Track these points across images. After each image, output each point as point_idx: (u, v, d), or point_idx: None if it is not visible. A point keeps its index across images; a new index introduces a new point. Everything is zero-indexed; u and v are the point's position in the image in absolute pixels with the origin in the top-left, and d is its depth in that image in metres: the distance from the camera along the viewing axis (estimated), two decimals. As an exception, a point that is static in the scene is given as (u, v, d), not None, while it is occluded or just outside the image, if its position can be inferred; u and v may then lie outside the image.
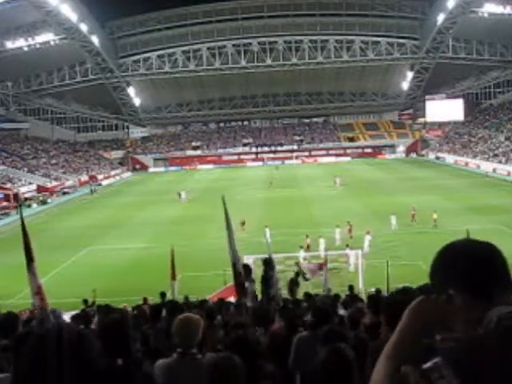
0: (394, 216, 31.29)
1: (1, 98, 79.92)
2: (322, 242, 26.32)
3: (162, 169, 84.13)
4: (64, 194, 60.11)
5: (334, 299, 12.14)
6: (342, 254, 24.97)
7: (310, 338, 4.31)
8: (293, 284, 15.55)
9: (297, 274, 16.70)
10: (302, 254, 24.77)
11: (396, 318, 4.02)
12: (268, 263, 11.05)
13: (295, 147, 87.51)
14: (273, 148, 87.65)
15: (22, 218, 8.20)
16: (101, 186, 66.08)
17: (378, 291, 14.50)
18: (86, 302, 14.74)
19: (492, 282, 1.49)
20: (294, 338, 4.73)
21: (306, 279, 20.10)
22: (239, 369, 2.73)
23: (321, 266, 20.75)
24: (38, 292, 7.83)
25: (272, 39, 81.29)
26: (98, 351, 1.43)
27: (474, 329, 1.46)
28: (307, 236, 27.09)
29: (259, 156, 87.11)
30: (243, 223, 31.29)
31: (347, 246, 25.37)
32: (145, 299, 15.04)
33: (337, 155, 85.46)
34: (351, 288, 15.63)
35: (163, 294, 13.58)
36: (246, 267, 10.95)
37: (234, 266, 10.31)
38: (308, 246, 26.34)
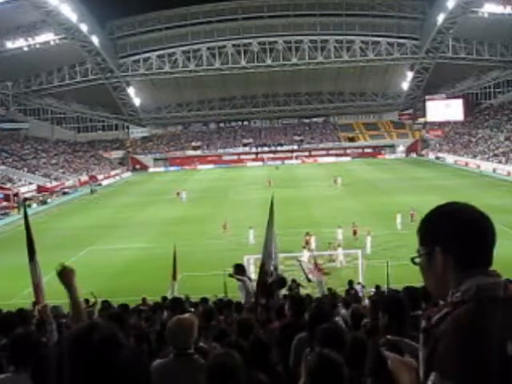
0: (400, 214, 31.26)
1: (1, 98, 79.96)
2: (312, 241, 26.49)
3: (161, 169, 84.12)
4: (64, 194, 60.11)
5: (333, 299, 12.16)
6: (341, 254, 25.02)
7: (309, 339, 4.31)
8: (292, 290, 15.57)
9: (293, 281, 16.68)
10: (305, 254, 24.80)
11: (396, 315, 4.00)
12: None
13: (295, 147, 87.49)
14: (273, 148, 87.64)
15: (25, 214, 8.21)
16: (101, 186, 66.09)
17: (378, 288, 14.53)
18: (87, 301, 14.73)
19: (478, 250, 1.52)
20: (294, 339, 4.74)
21: (309, 280, 20.15)
22: (239, 365, 2.73)
23: (316, 268, 20.81)
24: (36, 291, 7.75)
25: (272, 39, 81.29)
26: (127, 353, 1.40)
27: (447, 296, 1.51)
28: (307, 234, 27.21)
29: (259, 156, 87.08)
30: (224, 226, 31.65)
31: (330, 243, 25.51)
32: (144, 299, 15.04)
33: (337, 155, 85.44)
34: (350, 283, 15.69)
35: (165, 298, 13.56)
36: (240, 266, 10.91)
37: (263, 265, 10.29)
38: (307, 243, 26.44)
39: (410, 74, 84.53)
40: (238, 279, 10.31)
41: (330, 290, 15.95)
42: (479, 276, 1.48)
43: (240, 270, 10.66)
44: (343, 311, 9.22)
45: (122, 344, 1.39)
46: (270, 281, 10.07)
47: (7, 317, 6.55)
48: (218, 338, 4.90)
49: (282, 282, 10.76)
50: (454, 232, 1.52)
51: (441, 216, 1.58)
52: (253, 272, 18.08)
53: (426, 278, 1.62)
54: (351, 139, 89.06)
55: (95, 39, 72.40)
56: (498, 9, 67.39)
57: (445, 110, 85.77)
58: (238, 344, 3.82)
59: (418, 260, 1.61)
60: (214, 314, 7.69)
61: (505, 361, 1.31)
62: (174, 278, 15.22)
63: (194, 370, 3.40)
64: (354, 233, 28.47)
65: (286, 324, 5.30)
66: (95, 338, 1.35)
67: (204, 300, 11.73)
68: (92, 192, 59.36)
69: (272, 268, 10.78)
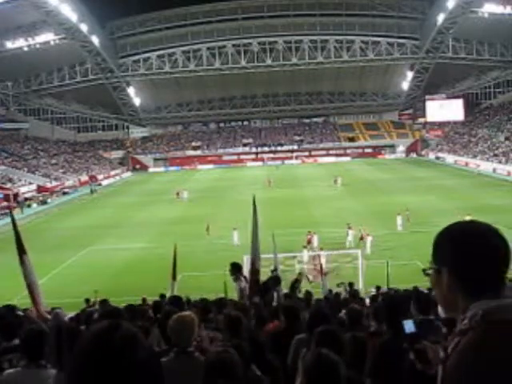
0: (401, 216, 31.24)
1: (1, 98, 79.95)
2: (315, 240, 26.56)
3: (161, 169, 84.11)
4: (64, 194, 60.09)
5: (335, 300, 12.17)
6: (343, 254, 25.01)
7: (309, 340, 4.32)
8: (293, 288, 15.55)
9: (296, 281, 16.69)
10: (305, 253, 24.80)
11: (396, 317, 4.00)
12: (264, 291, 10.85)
13: (295, 147, 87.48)
14: (273, 148, 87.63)
15: (13, 220, 8.36)
16: (101, 186, 66.08)
17: (378, 288, 14.56)
18: (87, 301, 14.75)
19: (486, 274, 1.46)
20: (293, 339, 4.75)
21: (310, 282, 20.17)
22: (237, 362, 2.73)
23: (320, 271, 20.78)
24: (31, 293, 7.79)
25: (272, 39, 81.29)
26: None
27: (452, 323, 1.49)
28: (309, 232, 27.29)
29: (259, 156, 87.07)
30: (207, 228, 31.70)
31: (304, 247, 25.51)
32: (144, 299, 15.04)
33: (337, 155, 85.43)
34: (351, 285, 15.70)
35: (162, 296, 13.54)
36: (236, 265, 10.92)
37: (253, 264, 10.33)
38: (308, 242, 26.51)
39: (410, 74, 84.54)
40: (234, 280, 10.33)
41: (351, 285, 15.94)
42: (486, 300, 1.44)
43: (236, 269, 10.68)
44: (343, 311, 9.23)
45: (142, 343, 1.41)
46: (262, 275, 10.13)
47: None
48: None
49: (276, 279, 10.79)
50: (460, 256, 1.49)
51: (449, 238, 1.55)
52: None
53: (435, 291, 1.62)
54: (351, 139, 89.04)
55: (95, 39, 72.41)
56: (498, 9, 67.40)
57: (445, 110, 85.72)
58: (237, 344, 3.83)
59: (429, 272, 1.62)
60: (212, 308, 7.70)
61: None
62: (174, 278, 15.21)
63: (194, 368, 3.40)
64: (347, 234, 28.25)
65: (278, 332, 5.32)
66: (117, 335, 1.36)
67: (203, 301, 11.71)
68: (92, 192, 59.33)
69: (272, 267, 10.80)
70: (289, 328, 5.17)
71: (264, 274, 14.04)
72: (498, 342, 1.31)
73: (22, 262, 7.83)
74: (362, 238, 27.20)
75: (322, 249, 25.12)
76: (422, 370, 2.18)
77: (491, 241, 1.48)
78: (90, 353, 1.34)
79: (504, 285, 1.49)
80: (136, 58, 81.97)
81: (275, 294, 10.32)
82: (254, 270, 10.23)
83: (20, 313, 8.62)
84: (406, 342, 2.26)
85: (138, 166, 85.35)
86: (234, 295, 13.41)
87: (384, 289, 16.44)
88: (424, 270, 1.64)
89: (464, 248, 1.48)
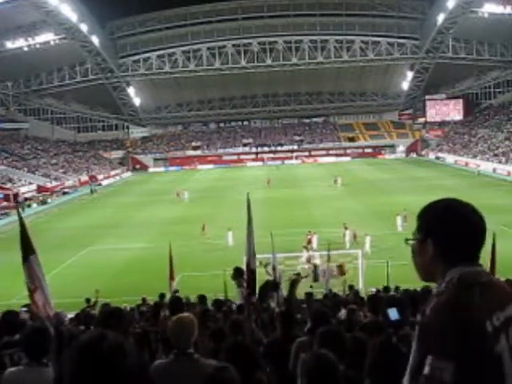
0: (400, 217, 31.23)
1: (1, 98, 79.96)
2: (314, 240, 26.59)
3: (161, 169, 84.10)
4: (64, 193, 60.08)
5: (334, 300, 12.17)
6: (343, 254, 24.99)
7: (310, 343, 4.31)
8: (292, 290, 15.59)
9: (294, 282, 16.70)
10: (304, 254, 24.80)
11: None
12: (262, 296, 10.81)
13: (295, 147, 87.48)
14: (273, 148, 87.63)
15: (20, 219, 8.30)
16: (101, 186, 66.06)
17: (378, 291, 14.56)
18: (88, 300, 14.75)
19: (466, 247, 1.65)
20: (294, 342, 4.74)
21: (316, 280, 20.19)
22: (236, 381, 2.73)
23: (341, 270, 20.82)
24: (31, 294, 7.72)
25: (272, 39, 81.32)
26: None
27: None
28: (309, 232, 27.29)
29: (259, 156, 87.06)
30: (203, 228, 31.66)
31: (305, 247, 25.51)
32: (143, 299, 15.05)
33: (337, 155, 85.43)
34: (351, 288, 15.69)
35: (162, 296, 13.54)
36: (239, 270, 10.92)
37: (249, 264, 10.29)
38: (308, 242, 26.52)
39: (410, 74, 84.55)
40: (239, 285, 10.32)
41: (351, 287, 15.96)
42: (462, 266, 1.63)
43: (238, 274, 10.66)
44: (342, 311, 9.24)
45: (129, 352, 1.45)
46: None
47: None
48: (214, 336, 4.90)
49: (274, 284, 10.76)
50: (445, 229, 1.66)
51: (435, 213, 1.72)
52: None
53: (415, 260, 1.79)
54: (351, 139, 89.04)
55: (95, 39, 72.42)
56: (498, 9, 67.43)
57: (445, 110, 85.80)
58: (239, 343, 3.82)
59: (411, 242, 1.79)
60: (211, 313, 7.69)
61: (485, 337, 1.46)
62: (172, 277, 15.22)
63: (194, 370, 3.40)
64: (343, 234, 28.14)
65: (274, 339, 5.31)
66: (105, 346, 1.40)
67: (201, 298, 11.63)
68: (92, 192, 59.32)
69: (270, 268, 10.75)
70: (285, 335, 5.15)
71: (260, 274, 14.04)
72: (470, 303, 1.48)
73: (26, 261, 7.77)
74: (355, 237, 27.25)
75: (323, 249, 25.08)
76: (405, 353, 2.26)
77: (471, 218, 1.67)
78: (81, 363, 1.38)
79: (478, 256, 1.68)
80: (136, 57, 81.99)
81: (275, 298, 10.31)
82: (250, 271, 10.20)
83: (24, 309, 8.59)
84: (391, 327, 2.32)
85: (138, 166, 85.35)
86: (234, 295, 13.42)
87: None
88: (407, 240, 1.81)
89: (448, 224, 1.66)
